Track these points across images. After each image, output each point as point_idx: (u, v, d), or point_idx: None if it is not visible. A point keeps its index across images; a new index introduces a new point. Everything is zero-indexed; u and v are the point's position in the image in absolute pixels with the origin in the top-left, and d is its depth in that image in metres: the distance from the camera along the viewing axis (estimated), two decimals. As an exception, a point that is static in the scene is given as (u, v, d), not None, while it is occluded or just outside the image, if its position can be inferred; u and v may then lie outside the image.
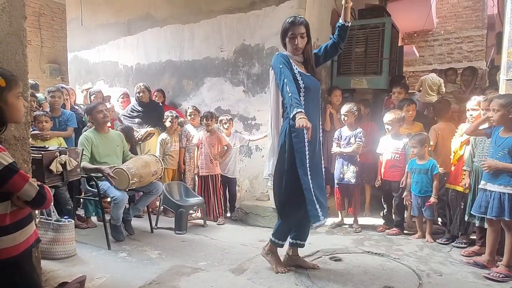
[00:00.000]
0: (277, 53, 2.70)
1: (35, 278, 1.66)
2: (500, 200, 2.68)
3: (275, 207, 2.73)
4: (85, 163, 3.45)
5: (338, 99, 4.70)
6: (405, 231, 3.82)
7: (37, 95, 4.53)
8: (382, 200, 4.03)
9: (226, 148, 4.38)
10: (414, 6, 8.12)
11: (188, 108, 4.78)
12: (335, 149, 4.00)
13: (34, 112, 3.83)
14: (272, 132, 2.74)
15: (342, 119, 4.02)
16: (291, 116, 2.42)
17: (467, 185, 3.21)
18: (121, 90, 5.53)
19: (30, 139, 3.59)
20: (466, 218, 3.22)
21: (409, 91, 5.44)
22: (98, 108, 3.67)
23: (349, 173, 3.91)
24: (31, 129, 3.58)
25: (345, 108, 3.95)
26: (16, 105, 1.56)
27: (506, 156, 2.68)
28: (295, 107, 2.39)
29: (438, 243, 3.48)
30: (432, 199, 3.49)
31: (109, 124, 3.98)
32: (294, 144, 2.53)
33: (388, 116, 3.77)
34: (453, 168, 3.47)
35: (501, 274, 2.67)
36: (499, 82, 3.47)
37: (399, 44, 6.74)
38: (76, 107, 4.76)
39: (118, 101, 5.27)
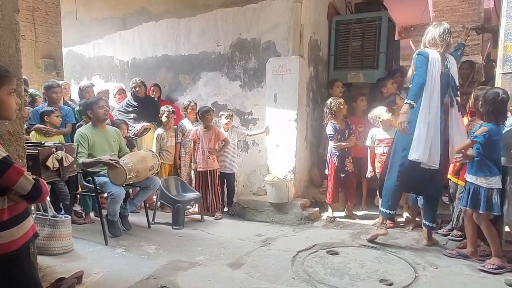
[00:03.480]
0: None
1: (34, 273, 1.67)
2: (476, 191, 2.76)
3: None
4: (84, 159, 3.44)
5: (340, 90, 4.69)
6: (397, 222, 3.88)
7: (30, 90, 4.48)
8: (378, 194, 4.05)
9: (224, 143, 4.38)
10: (410, 0, 8.10)
11: (190, 102, 4.72)
12: (336, 144, 4.03)
13: (43, 108, 3.80)
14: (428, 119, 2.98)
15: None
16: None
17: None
18: (117, 86, 5.49)
19: (33, 132, 3.59)
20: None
21: (404, 86, 5.43)
22: (99, 103, 3.65)
23: (350, 164, 4.09)
24: (28, 124, 3.60)
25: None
26: (7, 102, 1.54)
27: (476, 145, 2.78)
28: None
29: (436, 234, 3.50)
30: None
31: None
32: None
33: (374, 112, 3.90)
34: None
35: (494, 265, 2.70)
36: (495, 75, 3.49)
37: (396, 38, 6.72)
38: (69, 102, 4.71)
39: (115, 97, 5.23)
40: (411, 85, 3.07)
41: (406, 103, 2.99)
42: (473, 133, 2.84)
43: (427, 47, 3.14)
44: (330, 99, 4.12)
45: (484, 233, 2.80)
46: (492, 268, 2.69)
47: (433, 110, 3.00)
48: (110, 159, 3.36)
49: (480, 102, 2.80)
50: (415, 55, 3.11)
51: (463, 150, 2.83)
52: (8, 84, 1.53)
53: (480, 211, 2.73)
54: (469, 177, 2.84)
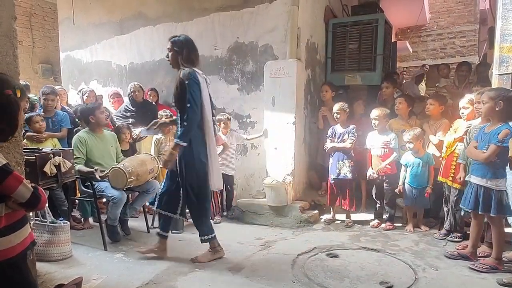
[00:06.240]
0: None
1: (31, 280, 1.66)
2: (486, 194, 2.69)
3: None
4: (80, 166, 3.44)
5: (324, 94, 4.71)
6: (395, 224, 3.89)
7: (30, 95, 4.48)
8: (374, 196, 4.05)
9: (222, 147, 4.37)
10: (407, 1, 8.14)
11: None
12: (328, 144, 4.06)
13: (26, 114, 3.78)
14: None
15: (335, 118, 4.13)
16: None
17: (462, 179, 3.22)
18: (112, 90, 5.48)
19: (25, 140, 3.58)
20: (462, 213, 3.26)
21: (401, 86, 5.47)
22: (101, 108, 3.69)
23: (345, 168, 3.99)
24: (24, 130, 3.58)
25: (336, 107, 4.08)
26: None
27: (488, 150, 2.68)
28: None
29: (434, 238, 3.51)
30: (429, 189, 3.66)
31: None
32: None
33: (375, 112, 3.88)
34: (444, 162, 3.52)
35: (485, 265, 2.71)
36: (490, 77, 3.50)
37: (393, 40, 6.76)
38: (66, 107, 4.70)
39: (109, 101, 5.22)
40: (186, 123, 2.75)
41: (178, 144, 2.74)
42: (496, 137, 2.61)
43: (186, 67, 2.83)
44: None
45: (493, 233, 2.76)
46: (483, 268, 2.70)
47: (211, 135, 2.94)
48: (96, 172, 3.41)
49: (502, 102, 2.59)
50: (186, 80, 2.75)
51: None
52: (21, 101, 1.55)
53: (491, 214, 2.66)
54: (477, 180, 2.74)
